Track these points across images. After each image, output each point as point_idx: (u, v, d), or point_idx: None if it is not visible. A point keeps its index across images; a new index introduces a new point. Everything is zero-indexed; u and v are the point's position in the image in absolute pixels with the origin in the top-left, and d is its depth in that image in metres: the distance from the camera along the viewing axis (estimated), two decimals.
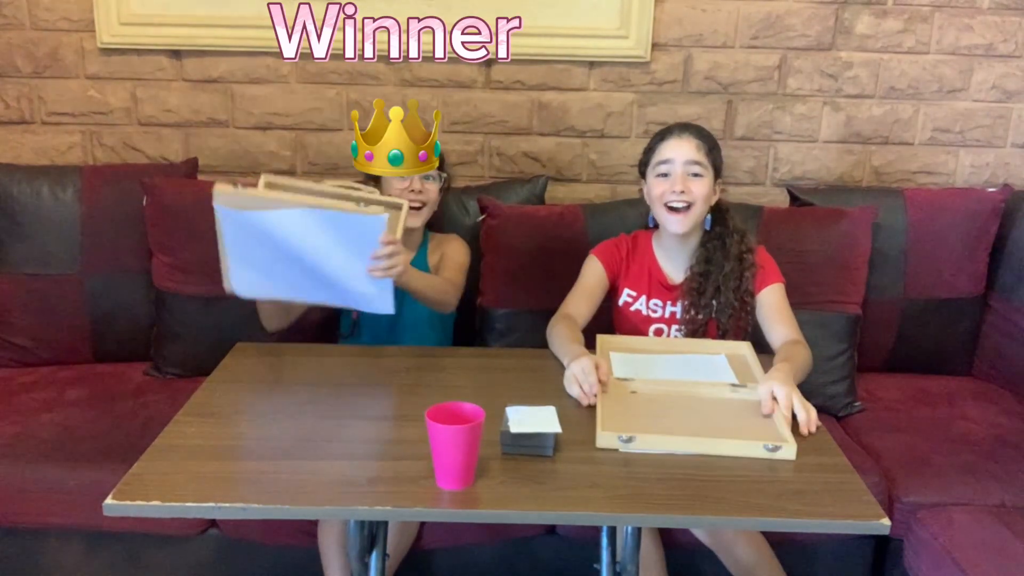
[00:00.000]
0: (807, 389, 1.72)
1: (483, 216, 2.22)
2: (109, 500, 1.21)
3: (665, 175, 1.81)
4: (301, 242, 1.55)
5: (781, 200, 2.49)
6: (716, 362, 1.69)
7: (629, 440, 1.36)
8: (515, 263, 2.18)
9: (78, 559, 1.92)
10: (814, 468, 1.34)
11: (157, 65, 2.43)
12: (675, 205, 1.79)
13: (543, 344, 1.83)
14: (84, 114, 2.46)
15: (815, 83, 2.46)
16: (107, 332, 2.28)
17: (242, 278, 1.63)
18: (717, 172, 1.84)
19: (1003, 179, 2.54)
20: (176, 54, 2.42)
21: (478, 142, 2.50)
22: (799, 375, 1.62)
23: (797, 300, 1.99)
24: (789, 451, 1.36)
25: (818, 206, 2.30)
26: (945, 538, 1.68)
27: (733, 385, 1.57)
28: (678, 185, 1.78)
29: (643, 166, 1.88)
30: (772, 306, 1.82)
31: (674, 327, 1.88)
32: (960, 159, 2.54)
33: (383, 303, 1.64)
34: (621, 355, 1.71)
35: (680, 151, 1.80)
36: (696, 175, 1.79)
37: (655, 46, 2.42)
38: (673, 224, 1.81)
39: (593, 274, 1.92)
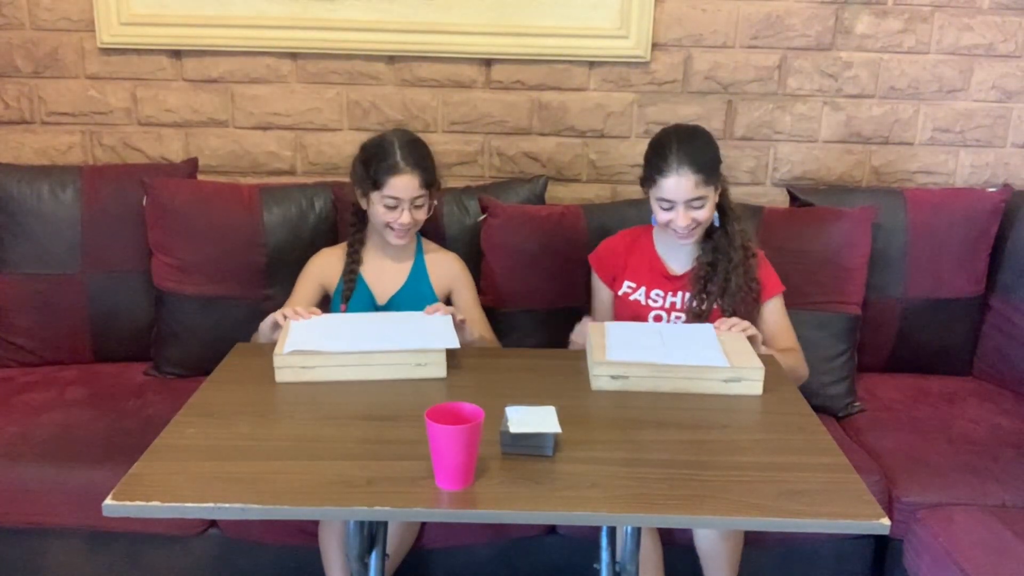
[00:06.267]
0: (808, 389, 1.73)
1: (483, 216, 2.22)
2: (109, 500, 1.21)
3: (668, 208, 1.82)
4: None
5: (781, 200, 2.49)
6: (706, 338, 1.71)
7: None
8: (515, 263, 2.18)
9: (78, 559, 1.92)
10: (814, 468, 1.34)
11: (157, 65, 2.43)
12: (679, 231, 1.83)
13: (543, 344, 1.83)
14: (84, 114, 2.46)
15: (815, 83, 2.46)
16: (107, 332, 2.28)
17: (296, 346, 1.63)
18: (719, 183, 1.85)
19: (1003, 179, 2.54)
20: (176, 54, 2.42)
21: (478, 142, 2.50)
22: (783, 362, 1.76)
23: (797, 300, 1.99)
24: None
25: (818, 206, 2.30)
26: (945, 538, 1.68)
27: (727, 380, 1.58)
28: (681, 221, 1.80)
29: (643, 183, 1.88)
30: (774, 321, 1.88)
31: (673, 315, 1.90)
32: (960, 159, 2.54)
33: (447, 339, 1.66)
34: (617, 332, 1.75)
35: (680, 192, 1.78)
36: (698, 207, 1.81)
37: (655, 46, 2.42)
38: (680, 240, 1.86)
39: (597, 286, 2.03)
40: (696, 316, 1.87)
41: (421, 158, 1.89)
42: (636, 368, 1.57)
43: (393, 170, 1.85)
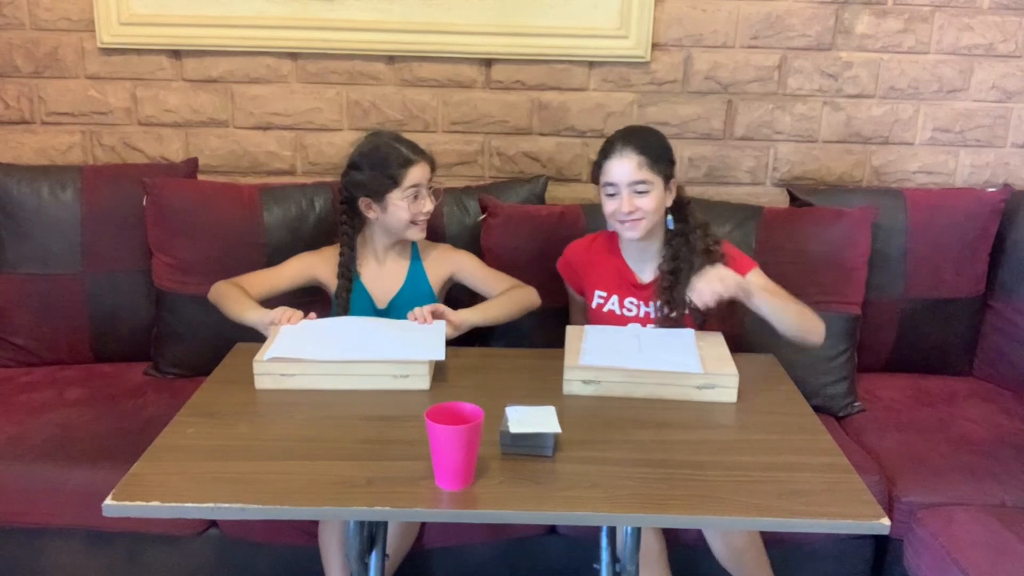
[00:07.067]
0: (808, 389, 1.72)
1: (483, 216, 2.22)
2: (109, 500, 1.21)
3: (612, 195, 1.82)
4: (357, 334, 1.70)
5: (781, 200, 2.49)
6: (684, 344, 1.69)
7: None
8: (515, 263, 2.17)
9: (78, 559, 1.92)
10: (814, 468, 1.34)
11: (157, 65, 2.43)
12: (625, 221, 1.81)
13: (543, 344, 1.83)
14: (84, 114, 2.46)
15: (815, 83, 2.46)
16: (107, 332, 2.28)
17: (277, 353, 1.61)
18: (668, 177, 1.83)
19: (1003, 179, 2.54)
20: (176, 54, 2.42)
21: (478, 142, 2.50)
22: (782, 299, 1.76)
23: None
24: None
25: (818, 206, 2.30)
26: (945, 538, 1.68)
27: (698, 387, 1.56)
28: (625, 207, 1.79)
29: (593, 176, 1.87)
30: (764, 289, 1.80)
31: (650, 325, 1.89)
32: (960, 159, 2.54)
33: (434, 350, 1.63)
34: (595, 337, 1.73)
35: (622, 173, 1.78)
36: (642, 192, 1.79)
37: (655, 46, 2.42)
38: (627, 232, 1.83)
39: (569, 291, 2.06)
40: (671, 325, 1.84)
41: (418, 146, 1.96)
42: (608, 373, 1.56)
43: (408, 162, 1.90)
